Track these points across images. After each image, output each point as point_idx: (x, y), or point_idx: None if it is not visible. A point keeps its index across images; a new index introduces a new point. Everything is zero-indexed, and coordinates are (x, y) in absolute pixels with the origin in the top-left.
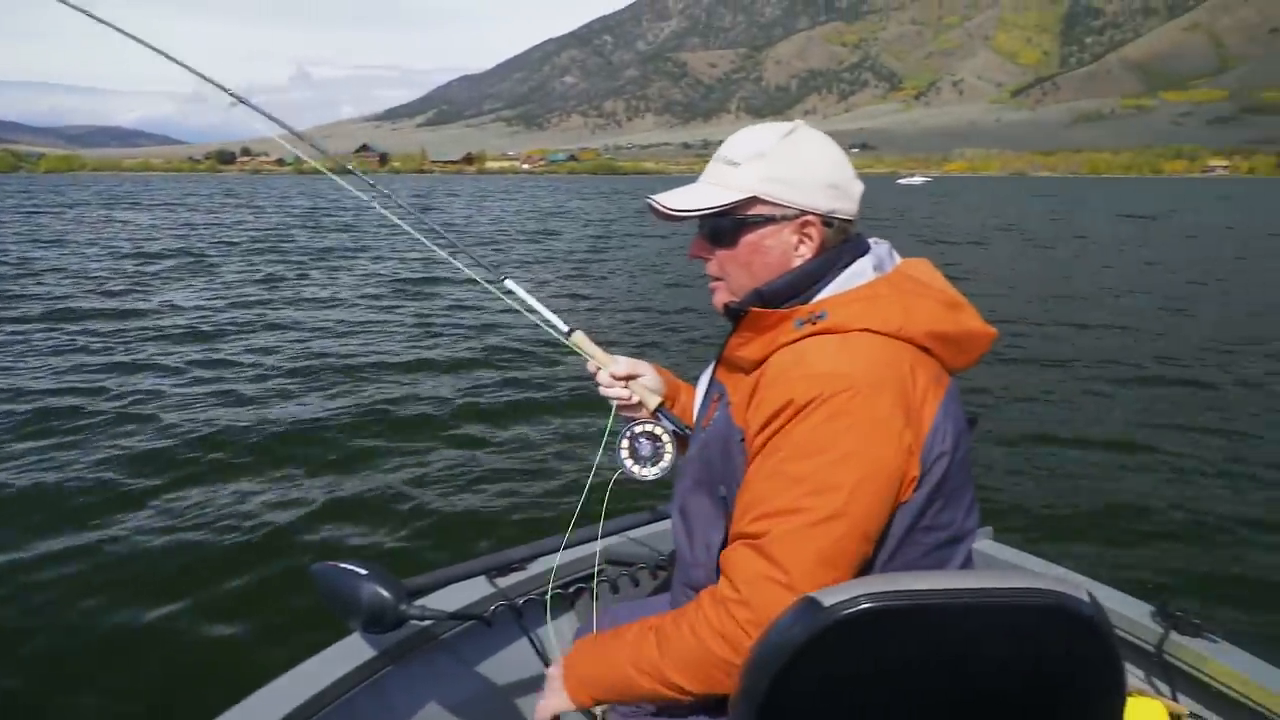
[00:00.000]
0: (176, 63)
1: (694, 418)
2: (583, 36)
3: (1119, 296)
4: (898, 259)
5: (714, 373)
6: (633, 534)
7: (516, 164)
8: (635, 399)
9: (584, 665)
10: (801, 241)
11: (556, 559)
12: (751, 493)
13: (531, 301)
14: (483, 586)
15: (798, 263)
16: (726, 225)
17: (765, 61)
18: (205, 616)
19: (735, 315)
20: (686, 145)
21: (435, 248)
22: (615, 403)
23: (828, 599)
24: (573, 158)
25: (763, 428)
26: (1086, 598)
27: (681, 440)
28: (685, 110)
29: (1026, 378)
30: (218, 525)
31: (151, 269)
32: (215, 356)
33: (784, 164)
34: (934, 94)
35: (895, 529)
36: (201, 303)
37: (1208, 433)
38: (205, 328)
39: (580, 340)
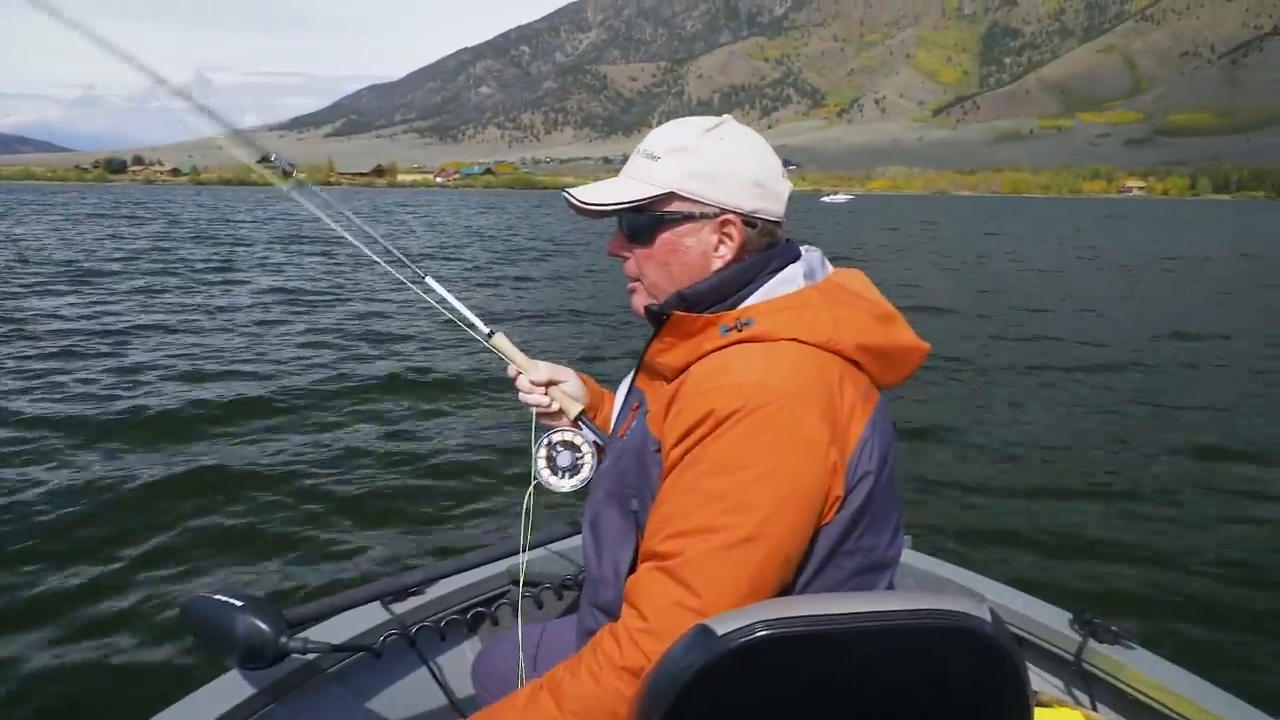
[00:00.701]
0: (122, 56)
1: (612, 427)
2: (499, 46)
3: (1046, 310)
4: (830, 268)
5: (634, 380)
6: (541, 551)
7: (430, 177)
8: (556, 406)
9: None
10: (722, 242)
11: (456, 581)
12: (665, 509)
13: (452, 300)
14: (374, 614)
15: (717, 264)
16: (643, 222)
17: (687, 75)
18: (62, 659)
19: (657, 319)
20: (607, 160)
21: (357, 242)
22: (535, 410)
23: (721, 626)
24: (489, 171)
25: (680, 439)
26: (988, 617)
27: (601, 451)
28: (605, 124)
29: (949, 387)
30: (78, 555)
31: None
32: (84, 373)
33: (706, 159)
34: (856, 111)
35: (816, 552)
36: (77, 314)
37: (1129, 444)
38: (81, 339)
39: (501, 343)
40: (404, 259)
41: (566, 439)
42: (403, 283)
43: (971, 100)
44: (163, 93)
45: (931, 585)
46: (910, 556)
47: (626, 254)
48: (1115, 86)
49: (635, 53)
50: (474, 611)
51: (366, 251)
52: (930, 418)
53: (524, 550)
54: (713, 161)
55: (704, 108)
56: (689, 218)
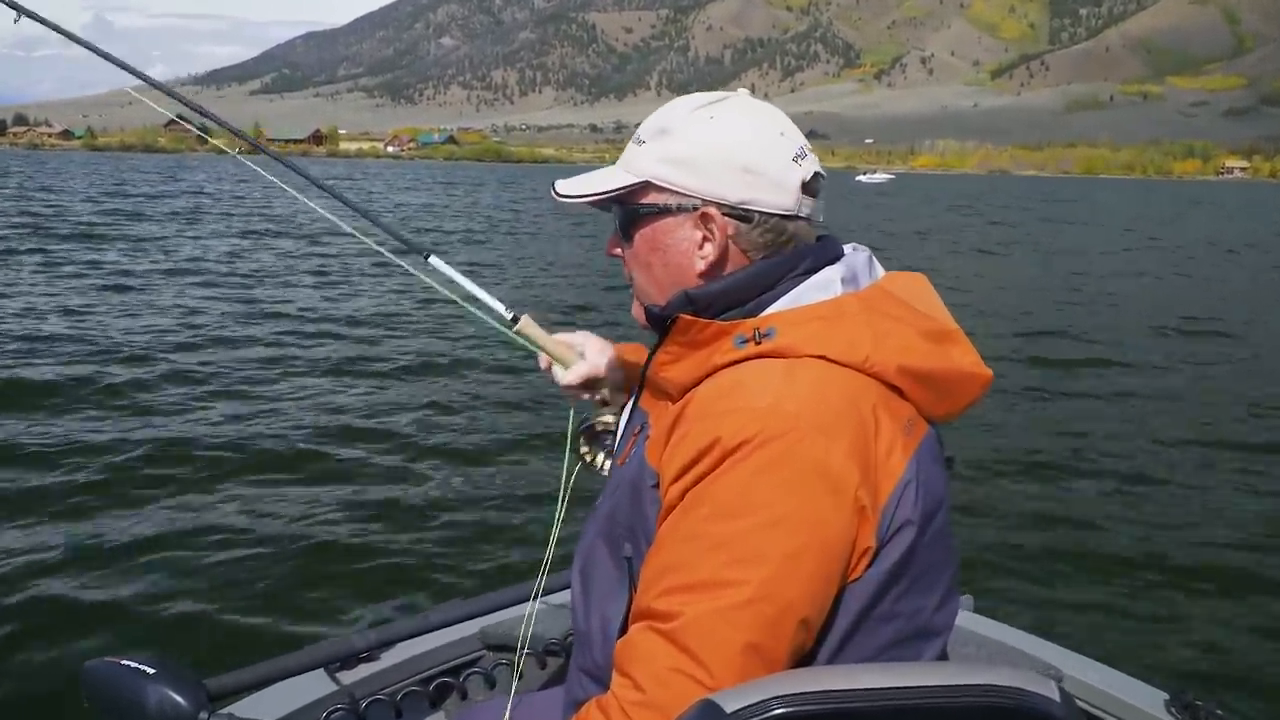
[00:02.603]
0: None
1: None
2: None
3: (1128, 322)
4: (880, 272)
5: (637, 399)
6: (516, 610)
7: (379, 145)
8: (597, 397)
9: None
10: (706, 239)
11: (416, 645)
12: (662, 558)
13: (463, 281)
14: (317, 684)
15: (700, 265)
16: (625, 217)
17: (693, 26)
18: None
19: (660, 324)
20: (595, 128)
21: (331, 216)
22: (572, 402)
23: (730, 703)
24: (451, 139)
25: (681, 474)
26: (1057, 696)
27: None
28: (594, 85)
29: (1017, 411)
30: None
31: None
32: None
33: (684, 142)
34: (898, 72)
35: (842, 615)
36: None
37: (1243, 492)
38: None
39: (529, 329)
40: (399, 237)
41: (607, 425)
42: (394, 263)
43: (1039, 60)
44: (55, 39)
45: (994, 656)
46: (971, 620)
47: (619, 253)
48: (1213, 46)
49: None
50: (438, 682)
51: (344, 227)
52: (991, 448)
53: (477, 614)
54: (694, 145)
55: (713, 66)
56: (666, 210)
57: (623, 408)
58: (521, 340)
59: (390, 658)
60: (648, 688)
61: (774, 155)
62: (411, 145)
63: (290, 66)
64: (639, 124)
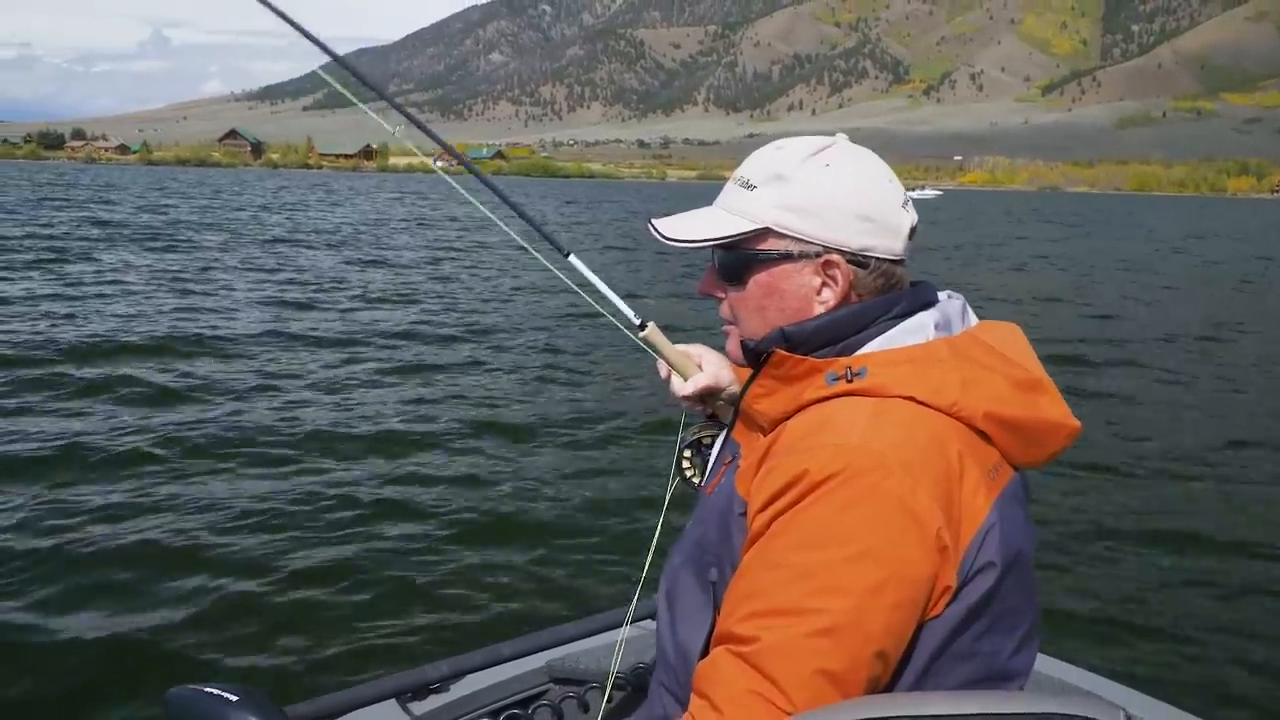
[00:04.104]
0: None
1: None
2: (515, 5)
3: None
4: (973, 320)
5: (729, 430)
6: (582, 644)
7: (428, 161)
8: (710, 410)
9: None
10: (825, 284)
11: (485, 677)
12: (746, 584)
13: (598, 282)
14: (390, 714)
15: (819, 310)
16: (736, 261)
17: (741, 43)
18: None
19: (755, 358)
20: (642, 143)
21: (491, 215)
22: (686, 411)
23: None
24: (500, 154)
25: (768, 503)
26: None
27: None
28: (641, 100)
29: (1084, 454)
30: (24, 628)
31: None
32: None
33: (805, 189)
34: (947, 88)
35: (919, 652)
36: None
37: None
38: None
39: (654, 337)
40: (548, 236)
41: (712, 437)
42: (538, 260)
43: (1090, 76)
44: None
45: (1051, 692)
46: (1038, 662)
47: (720, 294)
48: (1268, 62)
49: (679, 14)
50: (507, 714)
51: (503, 226)
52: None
53: (547, 646)
54: (814, 192)
55: (761, 81)
56: (787, 257)
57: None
58: (647, 346)
59: (459, 689)
60: (725, 709)
61: (888, 202)
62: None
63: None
64: (685, 140)
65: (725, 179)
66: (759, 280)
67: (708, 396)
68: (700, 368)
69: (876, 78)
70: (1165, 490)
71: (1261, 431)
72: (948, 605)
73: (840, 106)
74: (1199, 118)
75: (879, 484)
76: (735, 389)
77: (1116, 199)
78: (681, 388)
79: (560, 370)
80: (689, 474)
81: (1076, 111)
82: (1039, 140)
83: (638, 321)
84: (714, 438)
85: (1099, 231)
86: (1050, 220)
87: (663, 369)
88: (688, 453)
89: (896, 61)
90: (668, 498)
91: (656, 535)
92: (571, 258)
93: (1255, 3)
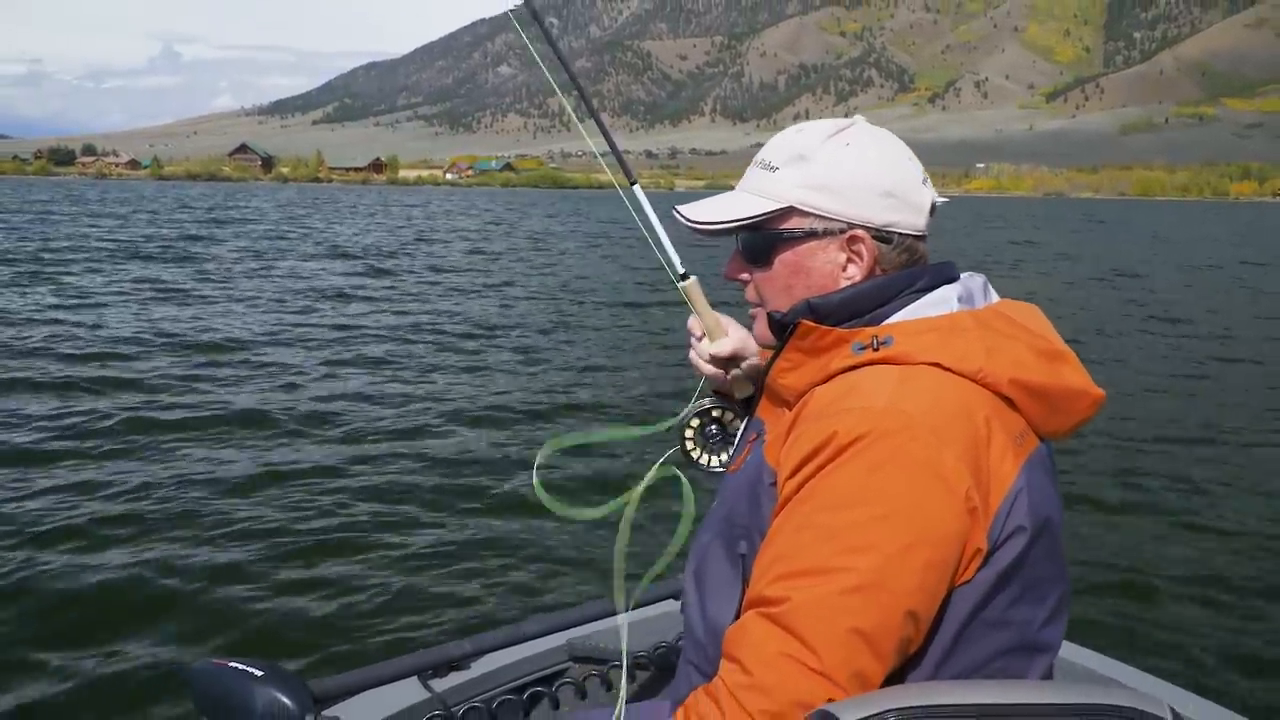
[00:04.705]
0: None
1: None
2: (523, 18)
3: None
4: (994, 297)
5: (753, 410)
6: (601, 624)
7: (438, 173)
8: (730, 377)
9: None
10: (851, 260)
11: (508, 655)
12: (775, 548)
13: (655, 221)
14: (412, 691)
15: (845, 285)
16: (761, 241)
17: (747, 53)
18: None
19: (781, 331)
20: (650, 153)
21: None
22: (704, 378)
23: (846, 714)
24: (509, 166)
25: (797, 468)
26: (1169, 716)
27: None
28: (649, 111)
29: (1117, 440)
30: (57, 601)
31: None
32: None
33: (827, 168)
34: (952, 96)
35: (951, 617)
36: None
37: None
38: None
39: (693, 290)
40: (619, 157)
41: (727, 413)
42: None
43: (1094, 82)
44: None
45: (1094, 684)
46: (1071, 652)
47: (746, 277)
48: (1268, 68)
49: (686, 25)
50: (531, 691)
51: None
52: (1086, 466)
53: (567, 625)
54: (836, 170)
55: (767, 91)
56: (812, 234)
57: (744, 406)
58: (683, 296)
59: (480, 667)
60: (755, 671)
61: (909, 179)
62: (469, 172)
63: (351, 96)
64: (693, 150)
65: (733, 188)
66: (785, 259)
67: (729, 363)
68: (727, 334)
69: (882, 86)
70: (1187, 476)
71: None
72: (979, 569)
73: (846, 115)
74: (1201, 123)
75: (905, 445)
76: (757, 361)
77: (1121, 204)
78: (709, 347)
79: (572, 354)
80: (689, 448)
81: (1080, 118)
82: (1043, 146)
83: (681, 271)
84: (721, 412)
85: (1106, 236)
86: (1075, 230)
87: (695, 326)
88: (695, 422)
89: (901, 70)
90: (655, 468)
91: (636, 498)
92: (635, 188)
93: (1256, 9)
